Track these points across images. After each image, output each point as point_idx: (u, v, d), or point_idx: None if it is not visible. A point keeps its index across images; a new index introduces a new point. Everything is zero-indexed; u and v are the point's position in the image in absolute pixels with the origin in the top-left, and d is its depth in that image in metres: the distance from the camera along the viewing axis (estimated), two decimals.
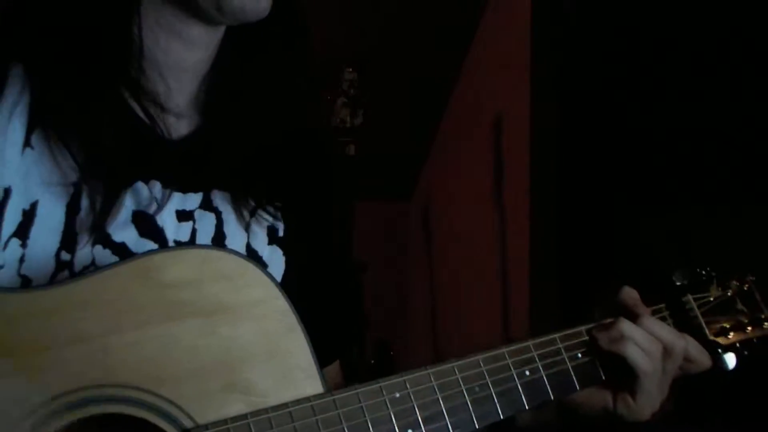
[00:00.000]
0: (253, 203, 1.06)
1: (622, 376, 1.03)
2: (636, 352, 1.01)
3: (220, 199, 1.04)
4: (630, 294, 1.08)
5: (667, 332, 1.04)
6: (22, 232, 0.91)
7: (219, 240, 1.03)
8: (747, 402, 2.12)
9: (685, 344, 1.04)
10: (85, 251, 0.93)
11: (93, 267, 0.93)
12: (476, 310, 3.55)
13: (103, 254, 0.94)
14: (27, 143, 0.93)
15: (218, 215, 1.04)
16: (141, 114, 0.99)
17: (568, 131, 3.07)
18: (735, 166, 2.44)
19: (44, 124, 0.94)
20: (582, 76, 3.01)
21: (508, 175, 3.34)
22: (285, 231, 1.10)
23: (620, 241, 2.73)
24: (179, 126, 1.03)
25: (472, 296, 3.62)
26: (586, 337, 1.05)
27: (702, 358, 1.07)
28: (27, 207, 0.92)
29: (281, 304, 0.91)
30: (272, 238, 1.08)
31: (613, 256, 2.69)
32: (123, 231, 0.96)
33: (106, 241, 0.95)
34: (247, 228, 1.06)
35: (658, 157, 2.71)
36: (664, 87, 2.70)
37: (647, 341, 1.02)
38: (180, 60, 1.01)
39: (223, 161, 1.05)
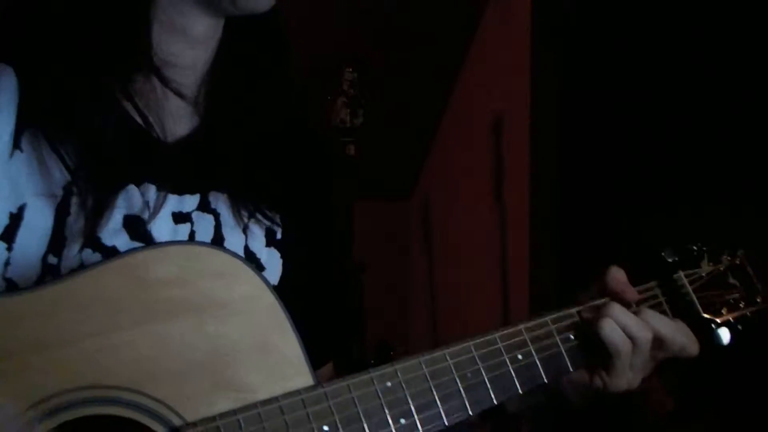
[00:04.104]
0: (251, 205, 1.05)
1: (601, 353, 1.02)
2: (613, 332, 1.00)
3: (217, 201, 1.03)
4: (617, 274, 1.07)
5: (660, 322, 1.03)
6: (8, 235, 0.89)
7: (217, 242, 1.01)
8: (744, 390, 2.11)
9: (674, 335, 1.03)
10: (74, 255, 0.91)
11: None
12: (476, 310, 3.55)
13: (92, 258, 0.92)
14: (16, 146, 0.91)
15: (216, 217, 1.02)
16: (136, 116, 0.97)
17: (568, 131, 3.07)
18: (736, 167, 2.44)
19: (35, 126, 0.92)
20: (582, 76, 3.01)
21: (508, 175, 3.34)
22: (283, 233, 1.08)
23: (620, 241, 2.73)
24: (176, 127, 1.02)
25: (472, 296, 3.61)
26: (578, 319, 1.04)
27: (691, 344, 1.06)
28: (14, 210, 0.90)
29: (269, 298, 0.89)
30: (270, 240, 1.07)
31: (613, 255, 2.68)
32: (114, 235, 0.94)
33: (96, 245, 0.93)
34: (245, 230, 1.04)
35: (659, 156, 2.70)
36: (664, 87, 2.70)
37: (635, 326, 1.01)
38: (181, 59, 1.00)
39: (221, 162, 1.03)
